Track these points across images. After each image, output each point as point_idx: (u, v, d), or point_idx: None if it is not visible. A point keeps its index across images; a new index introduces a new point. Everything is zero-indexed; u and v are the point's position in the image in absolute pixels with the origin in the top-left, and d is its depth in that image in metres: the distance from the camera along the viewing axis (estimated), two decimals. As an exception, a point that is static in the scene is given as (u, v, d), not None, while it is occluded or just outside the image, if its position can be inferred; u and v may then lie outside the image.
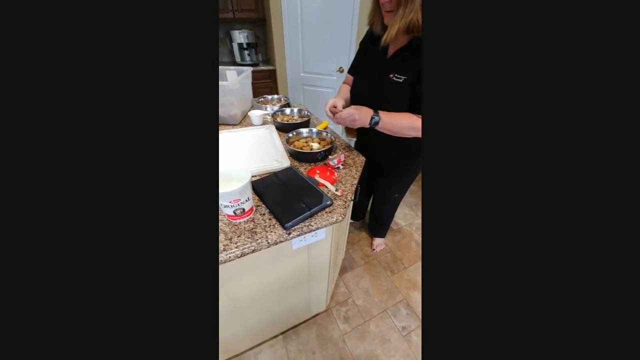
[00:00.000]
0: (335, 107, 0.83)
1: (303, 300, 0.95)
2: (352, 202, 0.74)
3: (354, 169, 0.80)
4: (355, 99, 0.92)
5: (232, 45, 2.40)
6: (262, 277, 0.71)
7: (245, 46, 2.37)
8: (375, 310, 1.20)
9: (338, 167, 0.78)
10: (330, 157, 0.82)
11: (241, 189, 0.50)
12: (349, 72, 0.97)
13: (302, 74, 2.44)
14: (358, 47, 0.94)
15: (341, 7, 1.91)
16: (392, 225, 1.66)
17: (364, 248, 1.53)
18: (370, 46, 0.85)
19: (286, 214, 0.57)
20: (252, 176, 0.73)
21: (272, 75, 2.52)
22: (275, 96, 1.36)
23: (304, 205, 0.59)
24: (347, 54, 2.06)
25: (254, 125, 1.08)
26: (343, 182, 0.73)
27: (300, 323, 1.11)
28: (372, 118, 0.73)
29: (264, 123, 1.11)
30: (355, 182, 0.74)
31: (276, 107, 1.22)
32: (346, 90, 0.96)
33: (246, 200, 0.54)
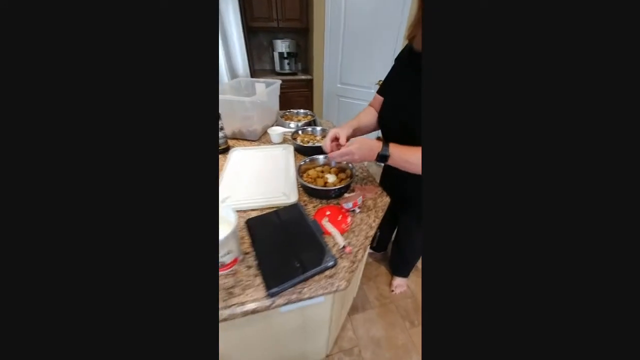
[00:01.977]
0: (337, 139, 0.69)
1: (297, 353, 0.83)
2: (361, 261, 0.60)
3: (374, 214, 0.66)
4: (386, 124, 0.78)
5: (273, 54, 2.42)
6: (246, 329, 0.61)
7: (285, 55, 2.37)
8: (385, 369, 1.02)
9: (353, 211, 0.65)
10: (346, 195, 0.70)
11: (220, 242, 0.41)
12: (379, 92, 0.84)
13: (338, 85, 2.35)
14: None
15: (386, 18, 1.78)
16: (418, 264, 1.45)
17: (380, 286, 1.35)
18: (407, 64, 0.71)
19: (275, 273, 0.46)
20: (252, 210, 0.64)
21: (309, 84, 2.49)
22: (302, 111, 1.27)
23: (298, 265, 0.48)
24: (389, 68, 1.91)
25: (273, 144, 1.01)
26: (356, 233, 0.59)
27: (296, 367, 0.99)
28: (379, 154, 0.60)
29: (285, 141, 1.03)
30: (372, 232, 0.60)
31: (301, 123, 1.13)
32: (366, 116, 0.83)
33: (227, 254, 0.44)
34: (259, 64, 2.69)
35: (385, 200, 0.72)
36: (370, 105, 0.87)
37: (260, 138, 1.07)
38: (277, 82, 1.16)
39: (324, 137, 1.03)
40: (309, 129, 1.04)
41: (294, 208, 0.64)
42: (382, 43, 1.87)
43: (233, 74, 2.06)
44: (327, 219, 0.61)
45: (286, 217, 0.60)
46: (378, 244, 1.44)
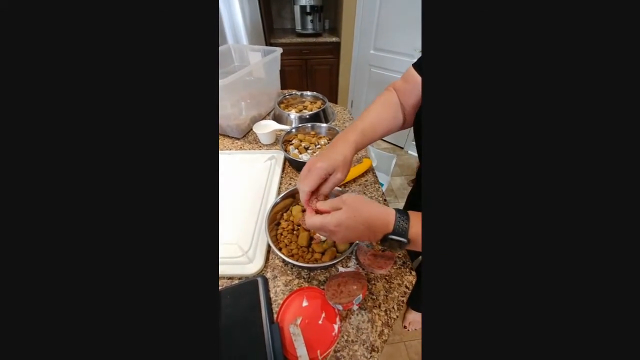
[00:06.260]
0: (316, 195, 0.38)
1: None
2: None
3: (384, 315, 0.38)
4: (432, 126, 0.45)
5: (294, 9, 1.97)
6: None
7: (308, 10, 1.91)
8: None
9: (350, 310, 0.38)
10: (342, 269, 0.43)
11: None
12: (418, 66, 0.46)
13: (371, 51, 1.89)
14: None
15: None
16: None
17: (392, 318, 1.12)
18: None
19: None
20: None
21: (335, 49, 2.04)
22: (308, 93, 0.93)
23: None
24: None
25: (261, 147, 0.73)
26: (343, 362, 0.34)
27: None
28: (387, 237, 0.32)
29: (277, 141, 0.75)
30: None
31: (307, 114, 0.81)
32: (382, 115, 0.48)
33: None
34: (279, 21, 2.26)
35: (408, 280, 0.43)
36: (395, 88, 0.51)
37: (247, 135, 0.79)
38: (276, 51, 0.84)
39: (331, 139, 0.72)
40: (309, 126, 0.73)
41: (249, 289, 0.39)
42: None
43: (251, 36, 1.71)
44: (299, 320, 0.36)
45: (231, 312, 0.36)
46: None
